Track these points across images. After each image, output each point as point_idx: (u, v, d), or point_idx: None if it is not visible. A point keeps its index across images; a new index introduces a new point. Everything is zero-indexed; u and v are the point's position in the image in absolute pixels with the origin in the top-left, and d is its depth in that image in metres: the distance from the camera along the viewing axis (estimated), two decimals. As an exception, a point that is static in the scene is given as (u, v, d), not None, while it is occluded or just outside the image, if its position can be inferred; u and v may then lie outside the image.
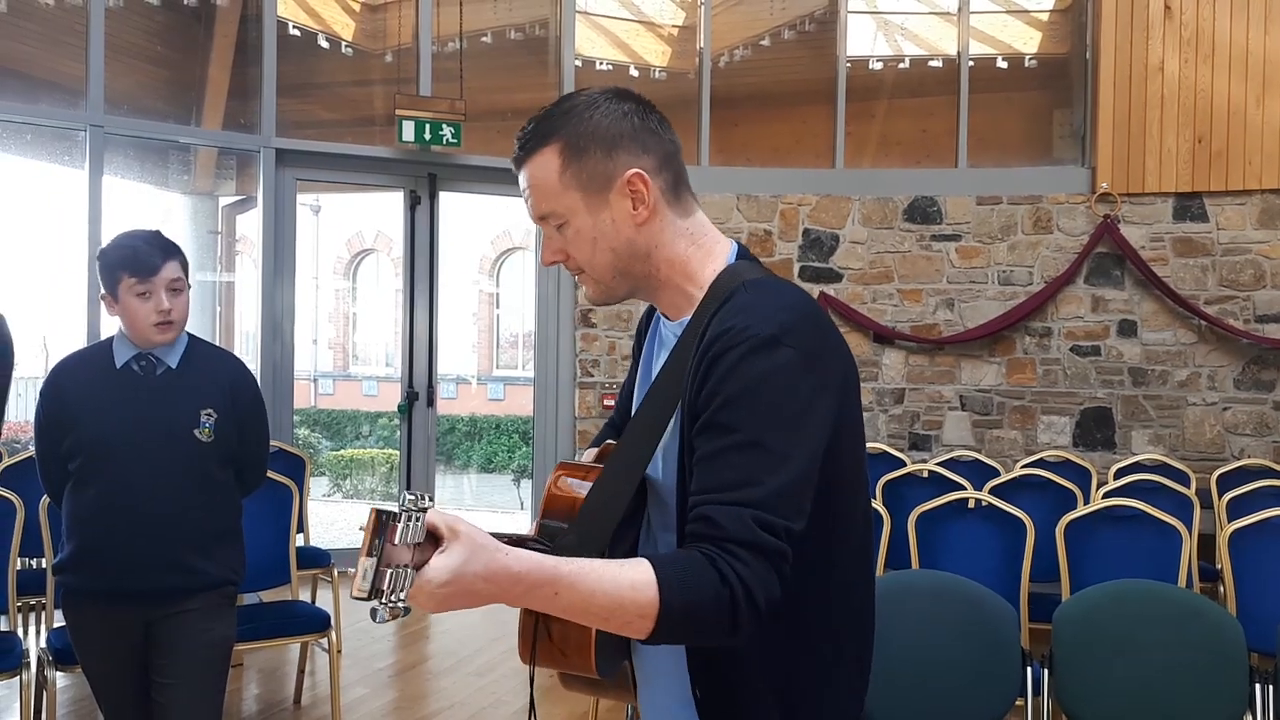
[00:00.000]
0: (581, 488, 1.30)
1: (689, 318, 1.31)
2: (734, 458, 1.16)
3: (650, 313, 1.47)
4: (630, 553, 1.32)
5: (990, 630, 2.67)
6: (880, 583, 2.88)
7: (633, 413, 1.37)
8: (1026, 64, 7.39)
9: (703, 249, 1.35)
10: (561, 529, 1.27)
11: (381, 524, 0.99)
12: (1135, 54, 6.49)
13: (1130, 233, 6.48)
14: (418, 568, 1.02)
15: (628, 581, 1.09)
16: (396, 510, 1.01)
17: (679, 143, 1.36)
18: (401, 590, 1.00)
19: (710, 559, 1.12)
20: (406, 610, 1.01)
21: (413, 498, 1.02)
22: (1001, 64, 7.33)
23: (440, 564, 1.03)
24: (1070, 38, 7.29)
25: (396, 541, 0.99)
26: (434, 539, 1.05)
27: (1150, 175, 6.46)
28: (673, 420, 1.27)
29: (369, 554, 0.98)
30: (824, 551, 1.26)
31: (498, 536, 1.14)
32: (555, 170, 1.29)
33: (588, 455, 1.50)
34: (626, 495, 1.26)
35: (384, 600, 0.99)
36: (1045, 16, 7.57)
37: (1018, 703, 2.71)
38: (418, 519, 1.02)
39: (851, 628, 1.33)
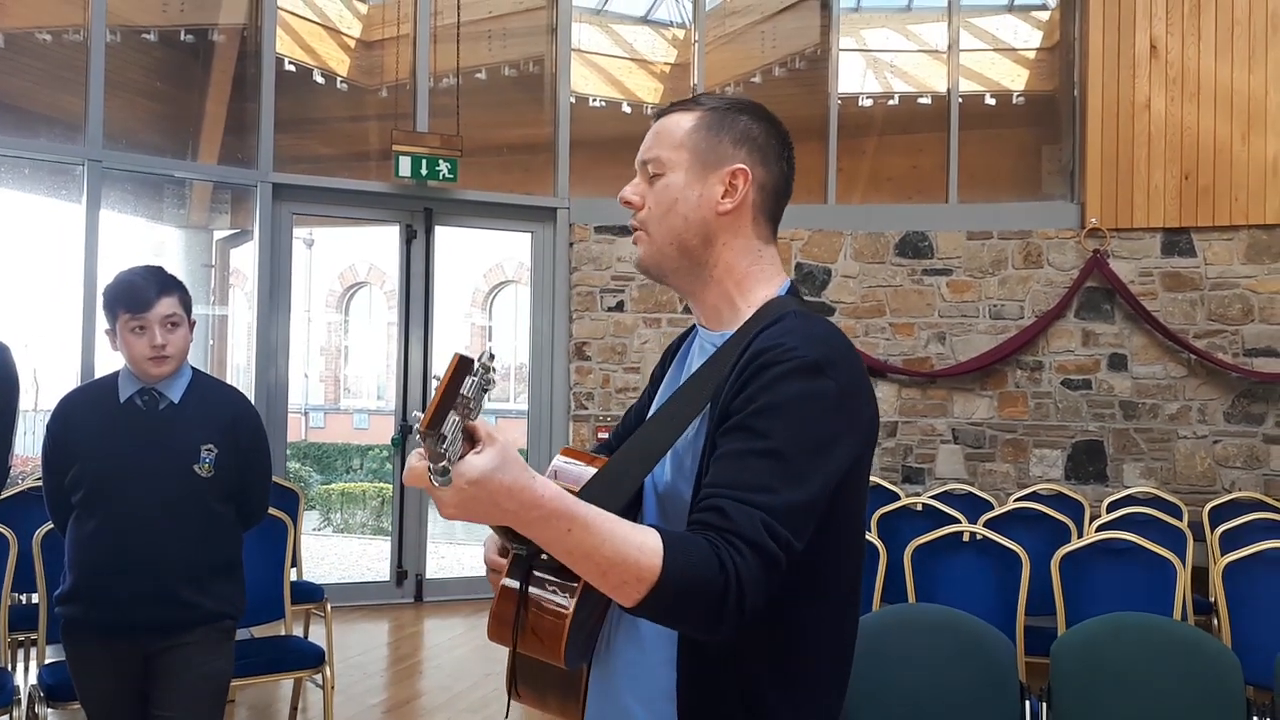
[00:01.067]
0: (583, 474, 1.29)
1: (731, 332, 1.34)
2: (757, 463, 1.18)
3: (682, 338, 1.51)
4: None
5: (988, 664, 2.67)
6: (878, 616, 2.88)
7: (650, 414, 1.38)
8: (1015, 101, 7.50)
9: (763, 273, 1.39)
10: None
11: (460, 368, 0.98)
12: (1122, 92, 6.60)
13: (1120, 267, 6.55)
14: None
15: (636, 541, 1.09)
16: (475, 362, 1.00)
17: (791, 187, 1.43)
18: (452, 452, 0.99)
19: (714, 546, 1.12)
20: (446, 476, 0.99)
21: (490, 355, 1.02)
22: (990, 101, 7.44)
23: (475, 461, 1.02)
24: (1058, 75, 7.40)
25: (466, 392, 0.99)
26: (471, 441, 1.04)
27: (1139, 210, 6.55)
28: (694, 424, 1.29)
29: (445, 394, 0.97)
30: (823, 579, 1.28)
31: None
32: (686, 127, 1.37)
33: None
34: (631, 485, 1.26)
35: (442, 446, 0.97)
36: (1032, 54, 7.69)
37: (1016, 737, 2.71)
38: (486, 383, 1.01)
39: (835, 656, 1.34)
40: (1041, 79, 7.66)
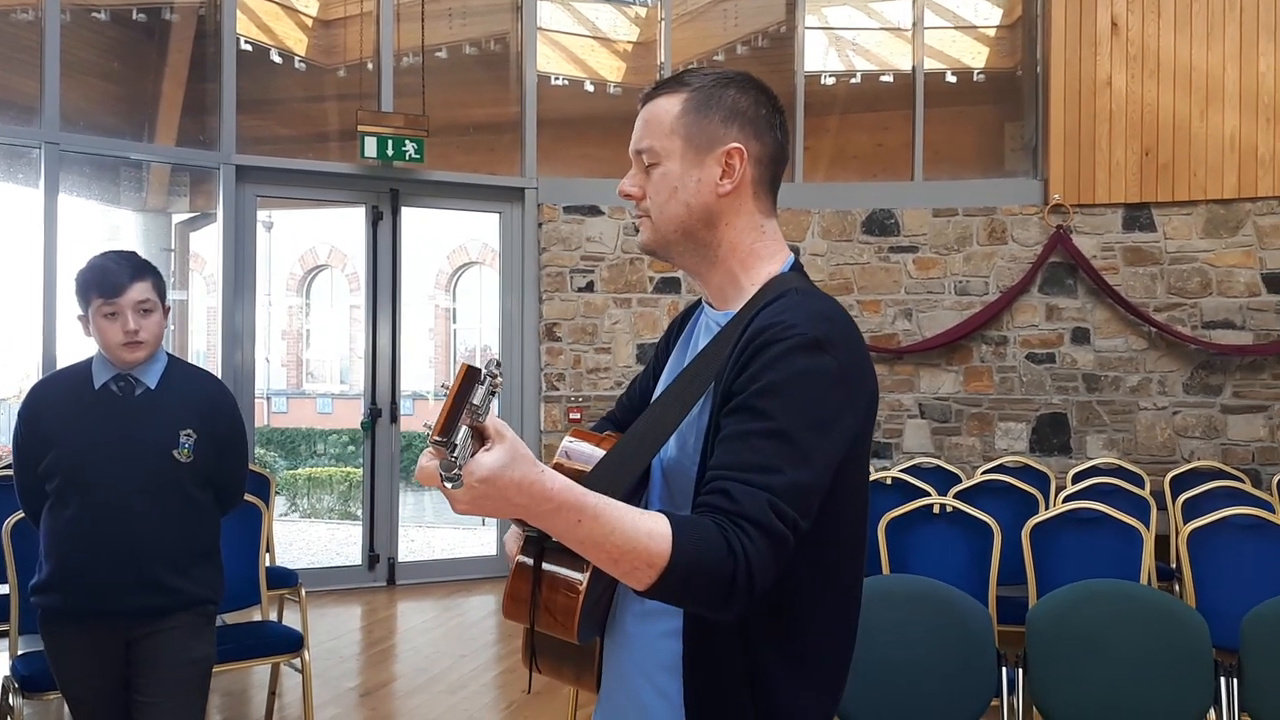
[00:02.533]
0: (593, 454, 1.31)
1: (735, 310, 1.35)
2: (761, 443, 1.19)
3: (688, 313, 1.51)
4: None
5: (965, 632, 2.73)
6: (857, 588, 2.93)
7: (655, 395, 1.39)
8: (977, 78, 7.56)
9: (766, 249, 1.39)
10: None
11: (469, 378, 1.00)
12: (1084, 69, 6.67)
13: (1082, 242, 6.65)
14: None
15: (645, 528, 1.11)
16: (483, 370, 1.02)
17: (788, 153, 1.43)
18: (462, 457, 1.02)
19: (722, 530, 1.14)
20: (457, 479, 1.02)
21: (496, 363, 1.04)
22: (952, 78, 7.49)
23: (485, 460, 1.05)
24: (1019, 52, 7.47)
25: (475, 400, 1.01)
26: (480, 439, 1.06)
27: (1100, 187, 6.64)
28: (700, 402, 1.30)
29: (455, 404, 1.00)
30: (830, 555, 1.30)
31: None
32: (674, 113, 1.36)
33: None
34: (639, 466, 1.28)
35: (453, 453, 1.01)
36: (994, 32, 7.75)
37: (993, 703, 2.77)
38: (493, 389, 1.04)
39: (840, 631, 1.36)
40: (1004, 56, 7.73)
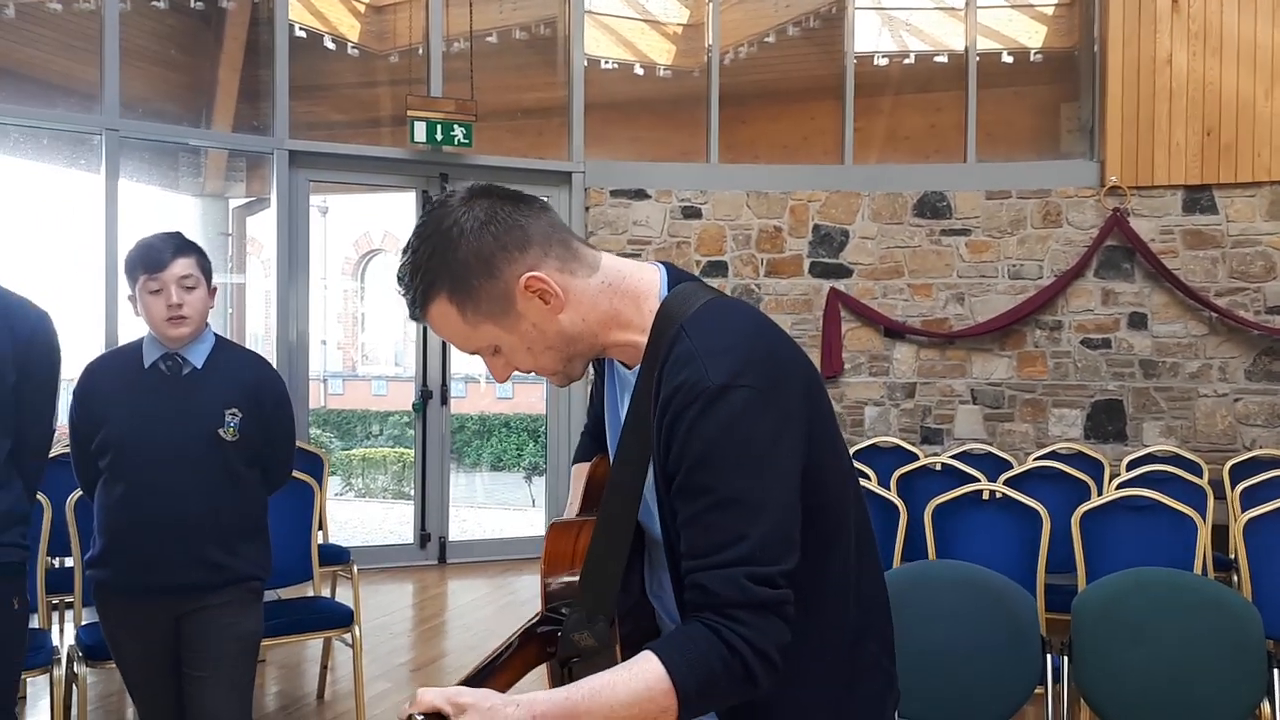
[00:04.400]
0: (575, 556, 1.34)
1: (639, 367, 1.31)
2: (712, 518, 1.17)
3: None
4: (640, 596, 1.35)
5: (1010, 619, 2.70)
6: (900, 573, 2.91)
7: (610, 453, 1.38)
8: (1032, 58, 7.41)
9: (628, 294, 1.31)
10: (568, 602, 1.31)
11: None
12: (1143, 47, 6.51)
13: (1140, 225, 6.50)
14: None
15: (642, 685, 1.12)
16: None
17: (547, 208, 1.32)
18: None
19: (714, 630, 1.15)
20: None
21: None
22: (1007, 58, 7.35)
23: None
24: (1077, 31, 7.30)
25: None
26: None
27: (1159, 168, 6.48)
28: (650, 470, 1.27)
29: None
30: (818, 562, 1.28)
31: (513, 643, 1.26)
32: (456, 317, 1.27)
33: (575, 486, 1.53)
34: (621, 555, 1.27)
35: None
36: (1051, 10, 7.58)
37: (1037, 690, 2.74)
38: None
39: (863, 625, 1.34)
40: (1060, 35, 7.56)
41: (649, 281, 1.32)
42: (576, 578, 1.30)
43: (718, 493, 1.17)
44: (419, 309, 1.28)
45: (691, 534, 1.19)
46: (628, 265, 1.34)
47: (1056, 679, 2.77)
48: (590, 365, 1.40)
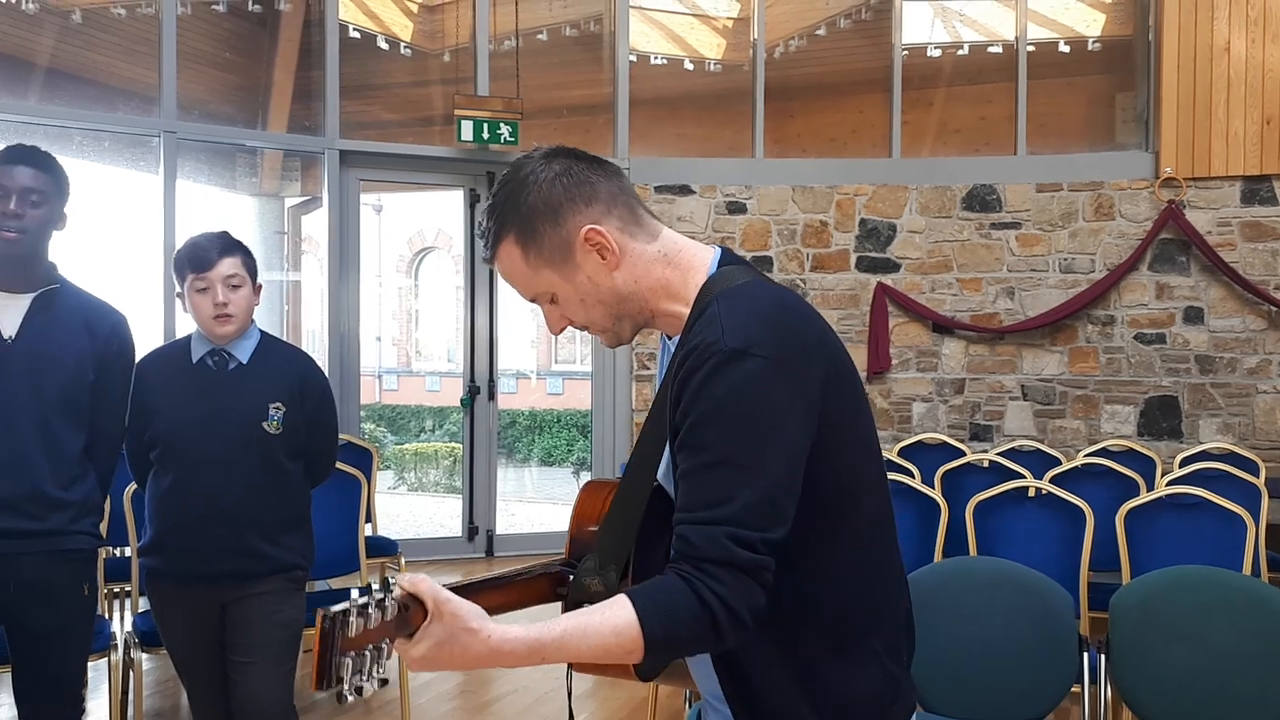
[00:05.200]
0: (603, 505, 1.39)
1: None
2: (705, 476, 1.21)
3: None
4: (666, 556, 1.38)
5: (1046, 616, 2.68)
6: (936, 569, 2.90)
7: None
8: (1090, 47, 7.27)
9: (680, 267, 1.37)
10: (586, 550, 1.37)
11: (326, 634, 1.07)
12: (1200, 34, 6.35)
13: (1196, 218, 6.35)
14: (406, 636, 1.13)
15: (610, 629, 1.17)
16: (345, 608, 1.08)
17: (621, 175, 1.40)
18: (371, 668, 1.09)
19: (688, 581, 1.18)
20: (384, 682, 1.11)
21: (362, 597, 1.10)
22: (1064, 48, 7.22)
23: (415, 650, 1.14)
24: (1134, 19, 7.15)
25: (352, 634, 1.07)
26: (422, 611, 1.14)
27: (1217, 158, 6.33)
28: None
29: (320, 660, 1.06)
30: (822, 547, 1.29)
31: (528, 571, 1.30)
32: (520, 259, 1.35)
33: None
34: (638, 509, 1.32)
35: (347, 684, 1.08)
36: (1109, -1, 7.43)
37: (1074, 689, 2.71)
38: (368, 611, 1.09)
39: (870, 616, 1.34)
40: (1117, 24, 7.41)
41: (701, 259, 1.38)
42: (596, 530, 1.36)
43: (714, 451, 1.21)
44: (490, 250, 1.37)
45: (684, 489, 1.23)
46: (686, 241, 1.41)
47: (1094, 678, 2.74)
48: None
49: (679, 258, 1.37)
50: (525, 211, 1.33)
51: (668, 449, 1.31)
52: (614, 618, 1.18)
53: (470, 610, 1.15)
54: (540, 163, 1.35)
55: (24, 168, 2.46)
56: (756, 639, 1.25)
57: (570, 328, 1.41)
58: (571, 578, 1.36)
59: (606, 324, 1.39)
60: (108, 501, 3.74)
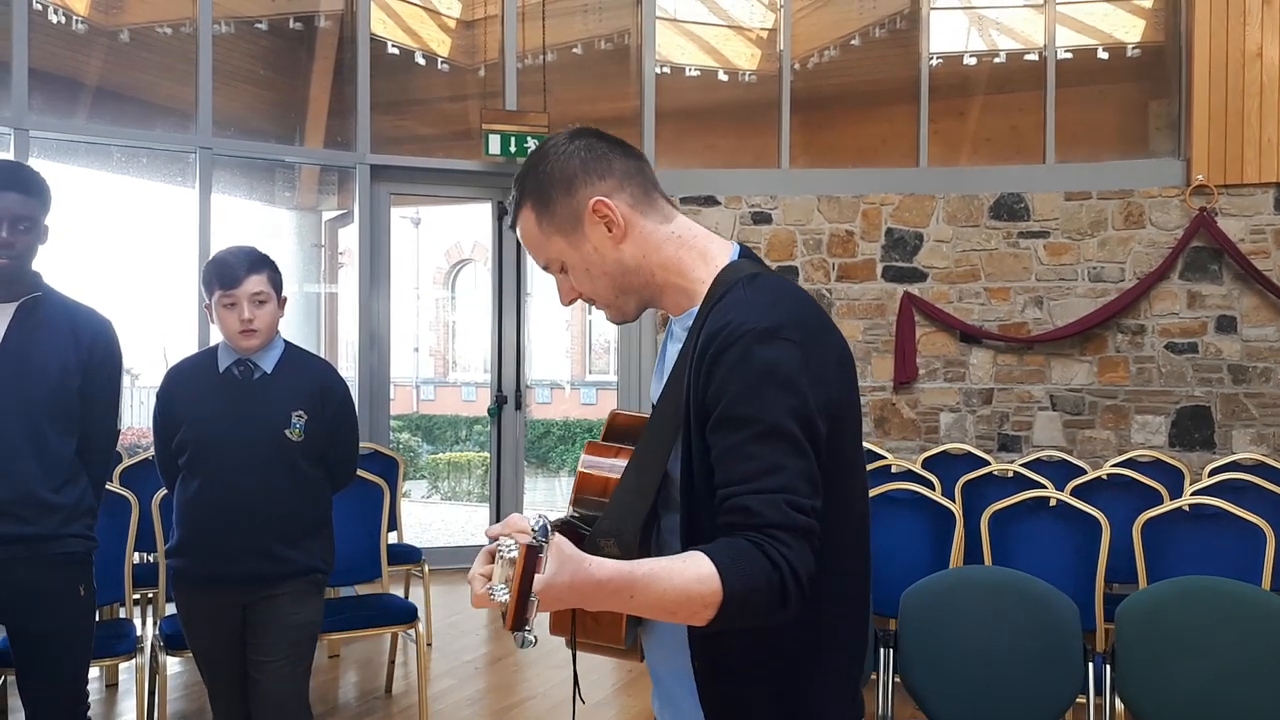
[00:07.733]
0: (613, 470, 1.40)
1: (695, 309, 1.39)
2: (755, 448, 1.24)
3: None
4: (649, 534, 1.40)
5: (1051, 625, 2.67)
6: (943, 577, 2.90)
7: (654, 402, 1.46)
8: (1129, 54, 7.19)
9: (695, 250, 1.42)
10: (597, 515, 1.37)
11: (529, 562, 1.04)
12: (1232, 41, 6.29)
13: (1228, 225, 6.28)
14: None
15: (694, 575, 1.17)
16: (537, 542, 1.05)
17: (642, 158, 1.46)
18: (534, 617, 1.06)
19: (759, 546, 1.20)
20: (532, 644, 1.07)
21: (540, 524, 1.07)
22: (1103, 54, 7.15)
23: (537, 579, 1.08)
24: (1164, 26, 7.08)
25: (541, 570, 1.05)
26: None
27: (1249, 166, 6.25)
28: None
29: (521, 593, 1.03)
30: (826, 536, 1.31)
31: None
32: (534, 225, 1.42)
33: None
34: (653, 487, 1.34)
35: (529, 632, 1.06)
36: (1149, 3, 7.35)
37: (1079, 699, 2.70)
38: (541, 546, 1.07)
39: (847, 613, 1.38)
40: (1148, 31, 7.34)
41: (720, 247, 1.44)
42: (615, 477, 1.38)
43: (760, 423, 1.24)
44: (512, 216, 1.44)
45: (732, 461, 1.25)
46: (704, 230, 1.46)
47: (1100, 689, 2.73)
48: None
49: (694, 242, 1.42)
50: (543, 180, 1.40)
51: (681, 434, 1.33)
52: (696, 566, 1.18)
53: (567, 541, 1.16)
54: (564, 139, 1.43)
55: (13, 194, 2.51)
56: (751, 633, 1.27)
57: (584, 299, 1.46)
58: (585, 536, 1.35)
59: (610, 297, 1.43)
60: (136, 508, 3.88)
